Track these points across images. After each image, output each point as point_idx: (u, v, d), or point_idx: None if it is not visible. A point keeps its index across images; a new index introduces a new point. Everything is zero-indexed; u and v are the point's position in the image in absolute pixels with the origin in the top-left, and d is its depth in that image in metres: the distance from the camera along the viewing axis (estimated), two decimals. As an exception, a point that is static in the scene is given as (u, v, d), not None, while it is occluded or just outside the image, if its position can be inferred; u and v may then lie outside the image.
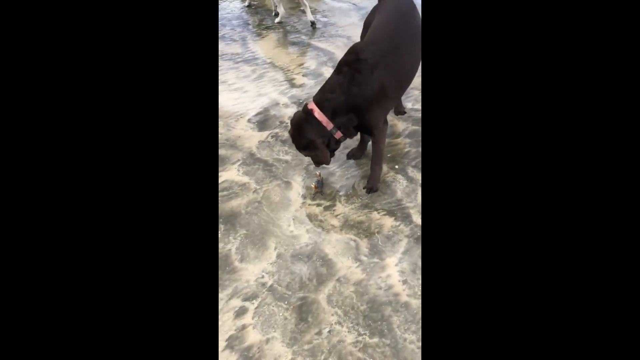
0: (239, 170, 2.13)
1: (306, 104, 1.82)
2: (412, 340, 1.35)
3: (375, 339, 1.38)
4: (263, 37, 3.53)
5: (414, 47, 1.88)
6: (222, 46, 3.43)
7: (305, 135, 1.79)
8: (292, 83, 2.82)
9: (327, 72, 2.88)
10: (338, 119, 1.77)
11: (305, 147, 1.82)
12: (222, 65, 3.13)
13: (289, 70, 2.98)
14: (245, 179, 2.08)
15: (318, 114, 1.76)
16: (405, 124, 2.36)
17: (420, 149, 2.15)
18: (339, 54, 3.18)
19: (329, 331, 1.42)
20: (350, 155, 2.15)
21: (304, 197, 1.95)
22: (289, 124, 2.44)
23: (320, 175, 1.98)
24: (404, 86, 1.96)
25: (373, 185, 1.95)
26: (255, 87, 2.82)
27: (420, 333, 1.38)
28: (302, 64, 3.03)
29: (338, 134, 1.81)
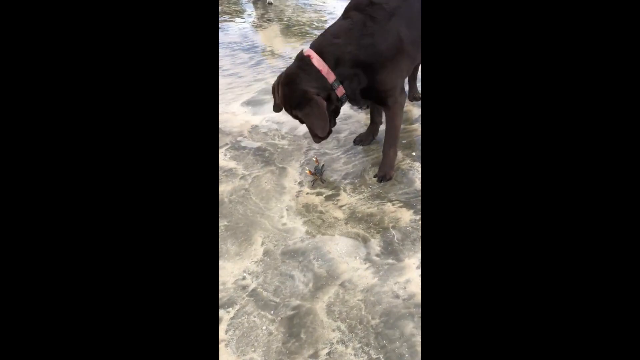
0: (225, 155, 1.79)
1: (301, 51, 1.44)
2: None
3: (393, 366, 0.99)
4: (264, 28, 3.28)
5: None
6: (219, 35, 3.18)
7: (298, 87, 1.37)
8: (293, 69, 2.52)
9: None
10: (341, 70, 1.38)
11: (298, 103, 1.37)
12: (218, 52, 2.85)
13: (290, 58, 2.69)
14: (232, 164, 1.73)
15: (317, 60, 1.37)
16: (420, 110, 2.03)
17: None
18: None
19: (329, 353, 1.03)
20: (358, 141, 1.80)
21: (301, 184, 1.60)
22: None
23: (318, 161, 1.63)
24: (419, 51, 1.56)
25: (386, 172, 1.58)
26: (252, 73, 2.53)
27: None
28: (305, 52, 2.75)
29: (340, 90, 1.41)
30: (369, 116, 1.82)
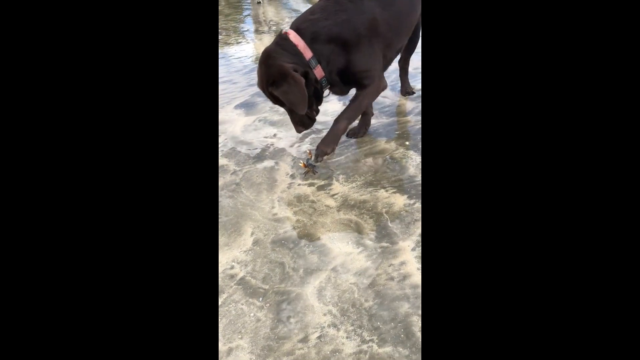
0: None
1: (280, 31, 1.43)
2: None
3: (388, 348, 0.93)
4: (259, 40, 3.34)
5: None
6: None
7: (274, 62, 1.32)
8: (286, 74, 2.54)
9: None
10: (318, 47, 1.35)
11: (275, 81, 1.32)
12: (213, 62, 2.90)
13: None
14: (224, 160, 1.71)
15: (293, 36, 1.35)
16: (414, 103, 2.02)
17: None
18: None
19: (319, 337, 0.97)
20: (351, 134, 1.78)
21: (293, 177, 1.57)
22: (279, 108, 2.12)
23: (311, 153, 1.60)
24: (400, 32, 1.56)
25: (325, 147, 1.47)
26: (246, 80, 2.55)
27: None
28: (298, 59, 2.77)
29: (319, 71, 1.38)
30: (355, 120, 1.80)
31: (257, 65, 2.52)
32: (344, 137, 1.77)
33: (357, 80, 1.45)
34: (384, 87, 1.53)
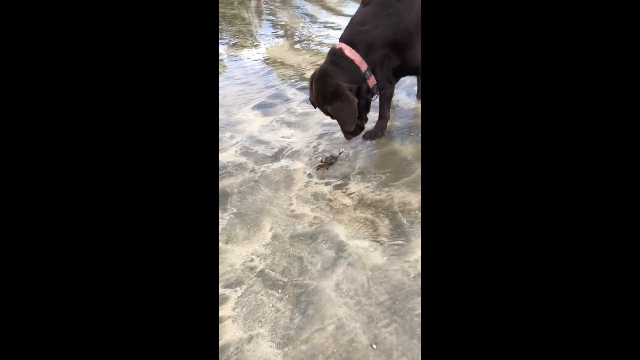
0: (236, 152, 1.83)
1: (333, 46, 1.49)
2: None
3: (402, 339, 0.96)
4: (275, 44, 3.41)
5: None
6: (230, 50, 3.31)
7: (331, 81, 1.40)
8: (302, 77, 2.60)
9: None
10: (373, 57, 1.43)
11: (330, 98, 1.40)
12: (229, 65, 2.97)
13: (300, 67, 2.78)
14: (242, 159, 1.76)
15: (349, 51, 1.42)
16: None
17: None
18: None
19: (336, 327, 1.01)
20: (367, 136, 1.82)
21: (310, 176, 1.61)
22: (296, 109, 2.18)
23: (323, 161, 1.63)
24: None
25: (374, 130, 1.72)
26: (263, 81, 2.61)
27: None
28: (314, 62, 2.83)
29: (372, 80, 1.46)
30: (376, 115, 1.84)
31: (273, 68, 2.55)
32: (359, 140, 1.81)
33: (415, 68, 1.56)
34: None
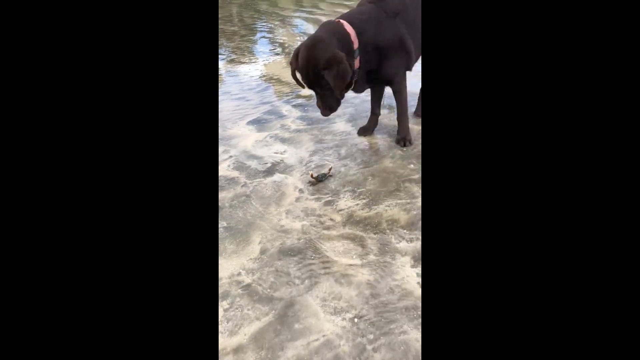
0: (229, 166, 1.85)
1: (328, 20, 1.62)
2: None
3: (387, 357, 0.96)
4: (273, 61, 3.48)
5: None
6: (227, 65, 3.37)
7: (329, 47, 1.47)
8: (298, 94, 2.65)
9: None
10: (362, 41, 1.57)
11: (328, 65, 1.46)
12: (227, 80, 3.02)
13: (295, 85, 2.83)
14: (235, 173, 1.78)
15: (348, 26, 1.54)
16: (420, 126, 2.09)
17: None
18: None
19: (322, 343, 1.01)
20: (362, 131, 1.99)
21: (301, 191, 1.63)
22: (290, 125, 2.21)
23: (314, 176, 1.66)
24: (417, 52, 1.82)
25: (405, 135, 1.86)
26: (259, 97, 2.65)
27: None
28: (310, 80, 2.89)
29: (357, 62, 1.59)
30: (362, 139, 2.00)
31: (269, 84, 2.59)
32: (352, 157, 1.84)
33: (388, 80, 1.76)
34: (406, 81, 1.84)
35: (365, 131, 2.01)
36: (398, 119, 1.88)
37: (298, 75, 1.61)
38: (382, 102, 2.03)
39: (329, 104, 1.61)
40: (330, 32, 1.53)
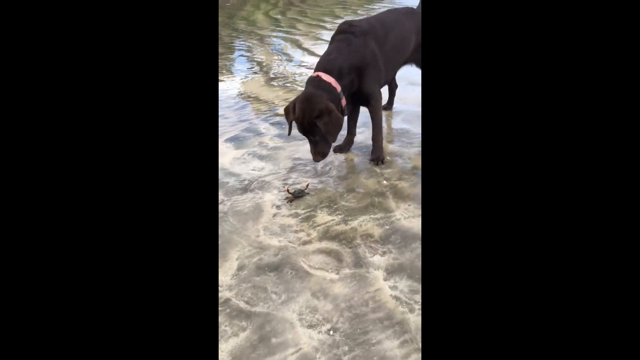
0: (206, 183, 1.86)
1: (310, 76, 1.75)
2: (410, 369, 0.98)
3: (361, 368, 1.00)
4: (251, 79, 3.54)
5: (401, 32, 1.96)
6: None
7: (319, 99, 1.64)
8: (276, 112, 2.71)
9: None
10: (343, 80, 1.71)
11: (319, 115, 1.63)
12: (205, 97, 3.05)
13: (273, 103, 2.90)
14: (213, 190, 1.80)
15: (325, 76, 1.69)
16: (395, 145, 2.19)
17: (405, 165, 1.95)
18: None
19: (299, 356, 1.04)
20: (337, 149, 2.07)
21: (279, 208, 1.67)
22: (268, 143, 2.26)
23: (291, 192, 1.70)
24: (394, 65, 1.98)
25: (379, 155, 1.95)
26: (237, 115, 2.70)
27: (421, 360, 1.01)
28: (287, 99, 2.96)
29: (344, 101, 1.73)
30: (338, 156, 2.08)
31: (247, 102, 2.65)
32: (327, 175, 1.90)
33: (366, 99, 1.86)
34: (381, 100, 1.97)
35: (341, 149, 2.10)
36: (373, 138, 1.96)
37: (294, 124, 1.75)
38: (361, 138, 2.17)
39: (321, 150, 1.73)
40: (317, 86, 1.69)
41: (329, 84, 1.69)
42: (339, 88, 1.70)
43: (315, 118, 1.63)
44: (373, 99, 1.86)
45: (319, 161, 1.78)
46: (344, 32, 1.81)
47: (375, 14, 2.18)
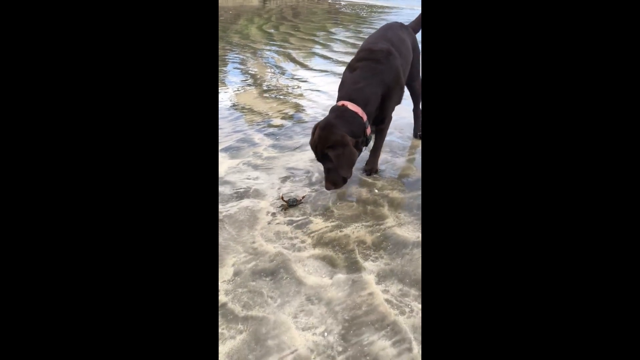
0: (202, 192, 1.90)
1: (334, 105, 1.73)
2: (402, 368, 1.02)
3: (354, 368, 1.04)
4: (245, 91, 3.60)
5: (407, 49, 1.97)
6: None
7: (336, 130, 1.61)
8: (270, 124, 2.77)
9: (307, 117, 2.87)
10: (369, 109, 1.70)
11: (333, 145, 1.60)
12: (200, 108, 3.09)
13: (267, 115, 2.96)
14: (208, 198, 1.84)
15: (352, 106, 1.66)
16: (386, 155, 2.26)
17: (394, 174, 2.01)
18: (320, 103, 3.23)
19: (294, 357, 1.07)
20: (368, 172, 2.04)
21: (274, 215, 1.71)
22: (262, 153, 2.30)
23: (285, 200, 1.75)
24: (405, 74, 1.96)
25: (373, 166, 1.98)
26: (231, 126, 2.75)
27: None
28: (281, 110, 3.03)
29: (368, 130, 1.72)
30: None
31: (241, 114, 2.70)
32: (314, 180, 1.96)
33: (382, 120, 1.86)
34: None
35: (372, 170, 2.05)
36: (372, 151, 1.97)
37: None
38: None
39: (333, 179, 1.70)
40: (340, 116, 1.67)
41: (355, 114, 1.66)
42: (365, 117, 1.68)
43: (328, 148, 1.62)
44: (387, 118, 1.88)
45: (329, 189, 1.74)
46: (367, 60, 1.76)
47: (372, 30, 2.21)
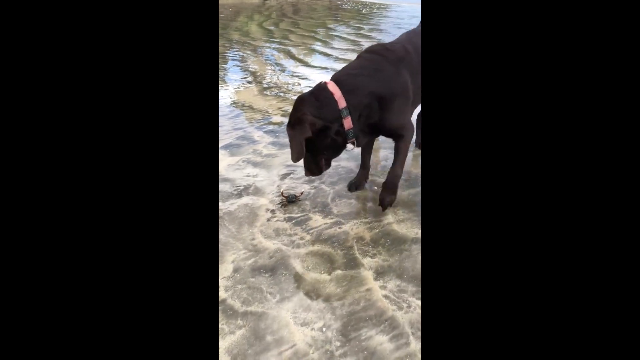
0: (202, 189, 1.91)
1: (319, 82, 1.50)
2: (399, 362, 1.03)
3: (354, 359, 1.05)
4: (245, 89, 3.61)
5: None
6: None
7: (301, 107, 1.38)
8: (269, 121, 2.77)
9: (305, 113, 2.88)
10: (354, 99, 1.42)
11: (292, 123, 1.38)
12: (200, 106, 3.10)
13: (267, 112, 2.96)
14: (208, 196, 1.85)
15: (332, 85, 1.42)
16: (381, 155, 2.27)
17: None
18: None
19: (293, 353, 1.08)
20: (353, 187, 1.86)
21: (273, 212, 1.72)
22: (262, 150, 2.31)
23: (301, 194, 1.77)
24: (417, 99, 1.70)
25: (390, 195, 1.66)
26: (231, 123, 2.76)
27: (413, 358, 1.07)
28: (281, 108, 3.04)
29: (348, 122, 1.42)
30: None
31: (241, 111, 2.71)
32: (318, 180, 1.97)
33: (394, 133, 1.60)
34: (413, 130, 1.66)
35: (356, 187, 1.87)
36: (392, 170, 1.66)
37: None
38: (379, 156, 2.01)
39: (307, 164, 1.53)
40: (313, 93, 1.45)
41: (331, 95, 1.42)
42: (342, 104, 1.41)
43: (288, 125, 1.42)
44: (405, 129, 1.59)
45: (307, 176, 1.59)
46: (377, 53, 1.57)
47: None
